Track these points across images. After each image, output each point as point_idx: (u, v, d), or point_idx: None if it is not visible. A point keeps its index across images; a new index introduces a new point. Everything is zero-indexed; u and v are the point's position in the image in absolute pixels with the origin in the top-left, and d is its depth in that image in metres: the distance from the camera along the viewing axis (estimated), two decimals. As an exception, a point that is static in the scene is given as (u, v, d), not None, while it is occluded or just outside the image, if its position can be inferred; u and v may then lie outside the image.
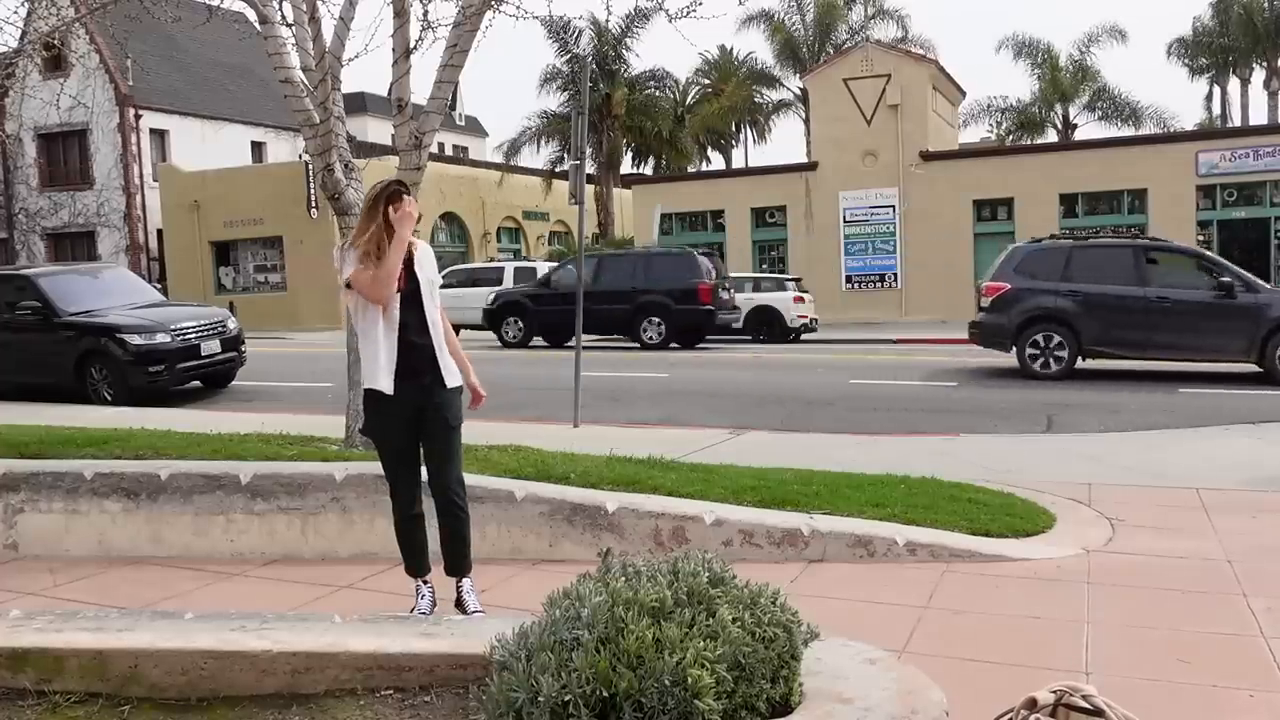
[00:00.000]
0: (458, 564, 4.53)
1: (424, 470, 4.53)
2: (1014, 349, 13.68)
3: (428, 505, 4.55)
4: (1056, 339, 13.34)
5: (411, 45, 6.80)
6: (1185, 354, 13.25)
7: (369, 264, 4.27)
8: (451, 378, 4.44)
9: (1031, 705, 2.26)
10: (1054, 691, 2.27)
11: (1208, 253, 14.19)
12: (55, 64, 16.33)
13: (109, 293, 13.54)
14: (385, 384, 4.33)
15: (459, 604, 4.50)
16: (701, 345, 21.05)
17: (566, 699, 2.31)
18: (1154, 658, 3.92)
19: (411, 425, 4.40)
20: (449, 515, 4.47)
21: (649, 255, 22.45)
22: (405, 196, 4.34)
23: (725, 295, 21.15)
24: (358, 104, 45.62)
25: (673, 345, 20.56)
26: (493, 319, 21.93)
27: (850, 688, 2.68)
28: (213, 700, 3.01)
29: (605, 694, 2.33)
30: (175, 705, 3.00)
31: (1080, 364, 13.52)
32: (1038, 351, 13.44)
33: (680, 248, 24.68)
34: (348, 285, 4.34)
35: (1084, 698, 2.24)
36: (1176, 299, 13.05)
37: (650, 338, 20.49)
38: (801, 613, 2.75)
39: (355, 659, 3.02)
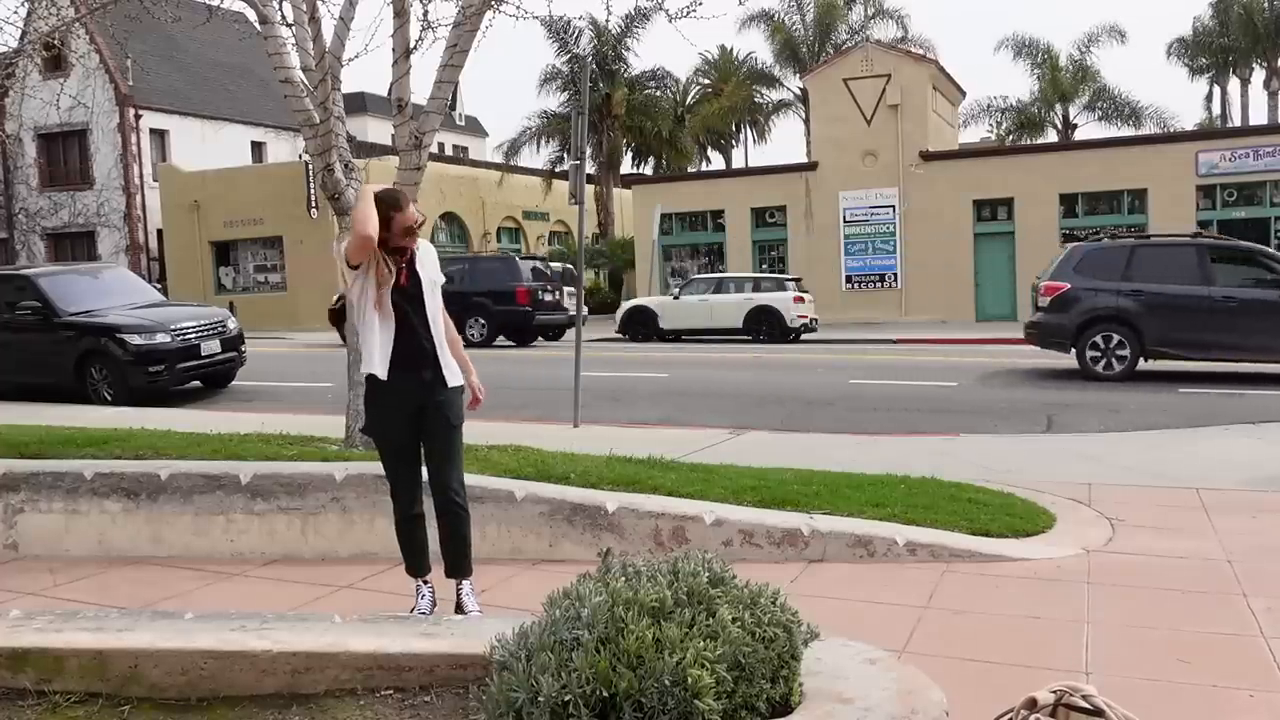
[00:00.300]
0: (458, 565, 4.51)
1: (424, 470, 4.52)
2: (1073, 350, 13.40)
3: (428, 505, 4.55)
4: (1118, 339, 13.07)
5: (411, 45, 6.79)
6: (1251, 355, 12.94)
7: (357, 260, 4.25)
8: (453, 377, 4.44)
9: (1031, 705, 2.26)
10: (1054, 691, 2.27)
11: (1276, 251, 13.76)
12: (55, 64, 16.34)
13: (109, 293, 13.55)
14: (381, 370, 4.32)
15: (459, 607, 4.49)
16: (535, 344, 22.77)
17: (566, 699, 2.31)
18: (1154, 658, 3.92)
19: (412, 423, 4.40)
20: (449, 515, 4.45)
21: (475, 259, 24.90)
22: (399, 216, 4.29)
23: (548, 297, 22.94)
24: (358, 104, 45.62)
25: (504, 343, 22.12)
26: (335, 317, 22.94)
27: (850, 688, 2.68)
28: (213, 700, 3.01)
29: (605, 694, 2.33)
30: (175, 705, 3.00)
31: (1142, 365, 13.21)
32: (1099, 352, 13.16)
33: (504, 253, 26.86)
34: (353, 267, 4.30)
35: (1084, 698, 2.24)
36: (1244, 299, 12.77)
37: (473, 336, 21.84)
38: (801, 613, 2.75)
39: (355, 659, 3.02)
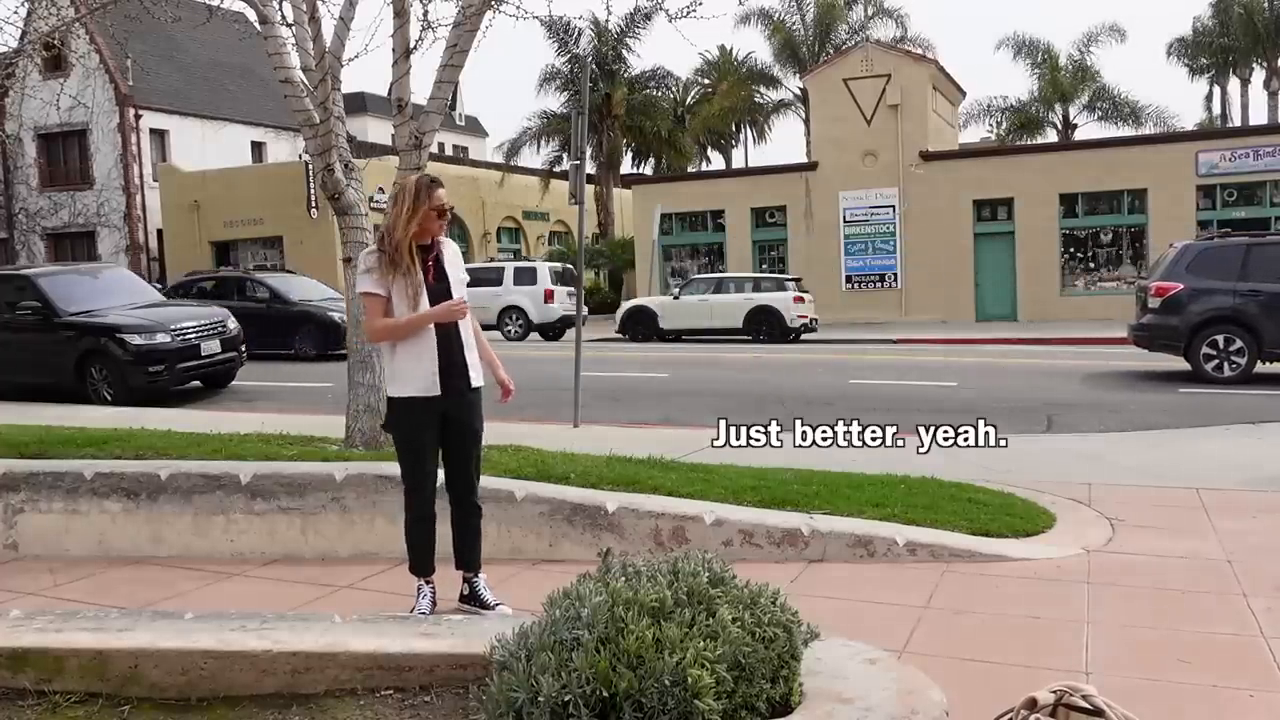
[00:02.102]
0: (473, 559, 4.60)
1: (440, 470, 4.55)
2: (1186, 353, 12.97)
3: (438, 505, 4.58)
4: (1234, 342, 12.68)
5: (411, 45, 6.80)
6: None
7: (381, 277, 4.25)
8: (477, 378, 4.44)
9: (1031, 705, 2.26)
10: (1054, 691, 2.27)
11: None
12: (55, 64, 16.33)
13: (109, 293, 13.55)
14: (421, 388, 4.31)
15: (474, 597, 4.57)
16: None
17: (566, 699, 2.31)
18: (1154, 658, 3.92)
19: (438, 427, 4.40)
20: (468, 513, 4.54)
21: None
22: (437, 193, 4.26)
23: None
24: (358, 104, 45.62)
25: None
26: None
27: (850, 688, 2.68)
28: (213, 700, 3.01)
29: (605, 694, 2.33)
30: (175, 705, 3.00)
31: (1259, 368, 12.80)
32: (1214, 355, 12.78)
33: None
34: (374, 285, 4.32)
35: (1084, 698, 2.24)
36: None
37: None
38: (801, 613, 2.75)
39: (355, 659, 3.02)
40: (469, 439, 4.47)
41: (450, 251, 4.46)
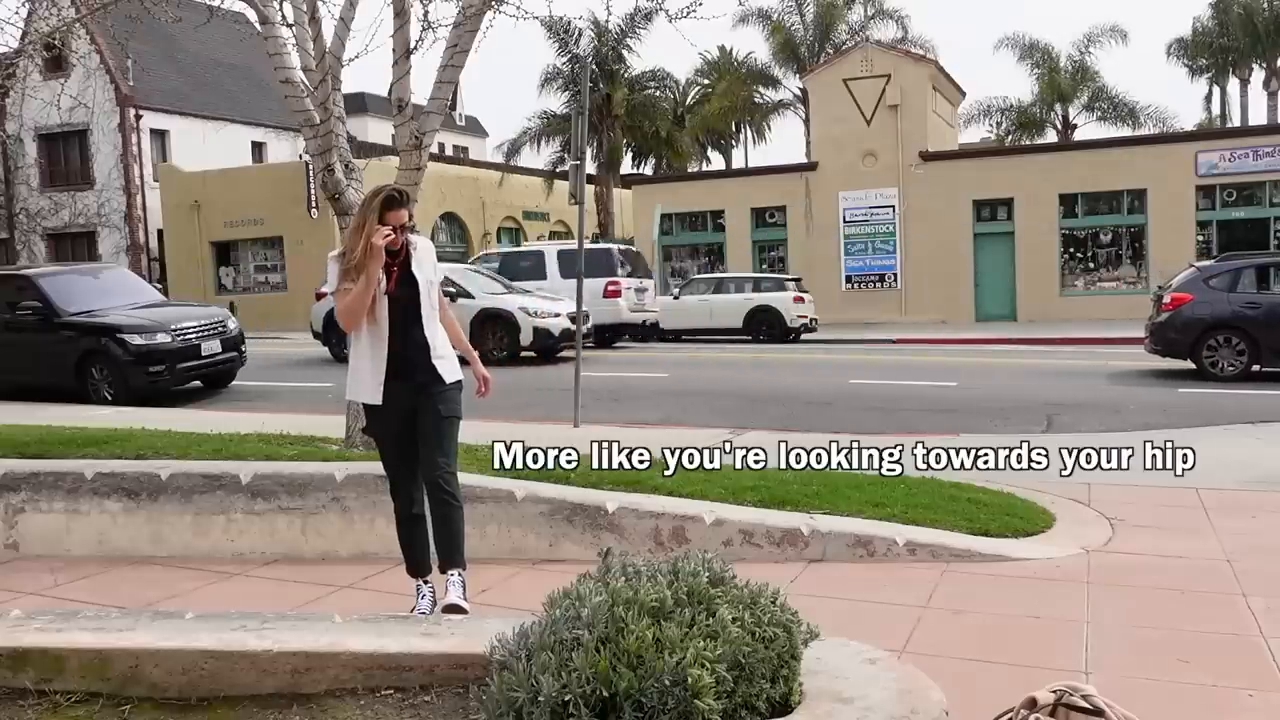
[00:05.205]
0: (446, 555, 4.37)
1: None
2: None
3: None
4: None
5: (411, 45, 6.80)
6: None
7: (349, 281, 4.22)
8: (450, 374, 4.39)
9: (1031, 705, 2.26)
10: (1054, 691, 2.28)
11: None
12: (56, 64, 16.36)
13: (109, 293, 13.55)
14: (368, 395, 4.33)
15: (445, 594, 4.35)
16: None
17: (567, 699, 2.31)
18: (1154, 658, 3.92)
19: (409, 422, 4.38)
20: (437, 501, 4.35)
21: None
22: (390, 215, 4.18)
23: None
24: (358, 104, 45.59)
25: None
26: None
27: (850, 687, 2.68)
28: (213, 700, 3.01)
29: (605, 694, 2.33)
30: (175, 705, 3.00)
31: None
32: None
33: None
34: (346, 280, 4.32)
35: (1084, 698, 2.24)
36: None
37: None
38: (801, 613, 2.75)
39: (355, 659, 3.02)
40: (433, 426, 4.33)
41: (421, 250, 4.37)
